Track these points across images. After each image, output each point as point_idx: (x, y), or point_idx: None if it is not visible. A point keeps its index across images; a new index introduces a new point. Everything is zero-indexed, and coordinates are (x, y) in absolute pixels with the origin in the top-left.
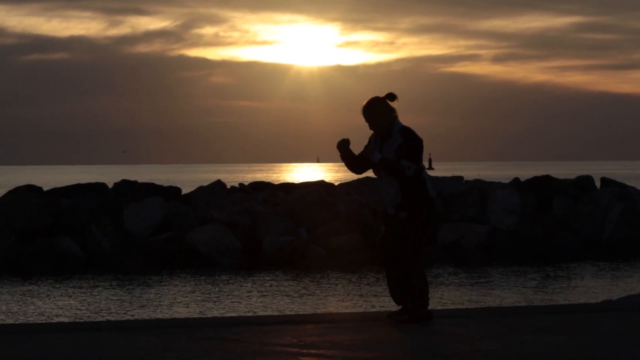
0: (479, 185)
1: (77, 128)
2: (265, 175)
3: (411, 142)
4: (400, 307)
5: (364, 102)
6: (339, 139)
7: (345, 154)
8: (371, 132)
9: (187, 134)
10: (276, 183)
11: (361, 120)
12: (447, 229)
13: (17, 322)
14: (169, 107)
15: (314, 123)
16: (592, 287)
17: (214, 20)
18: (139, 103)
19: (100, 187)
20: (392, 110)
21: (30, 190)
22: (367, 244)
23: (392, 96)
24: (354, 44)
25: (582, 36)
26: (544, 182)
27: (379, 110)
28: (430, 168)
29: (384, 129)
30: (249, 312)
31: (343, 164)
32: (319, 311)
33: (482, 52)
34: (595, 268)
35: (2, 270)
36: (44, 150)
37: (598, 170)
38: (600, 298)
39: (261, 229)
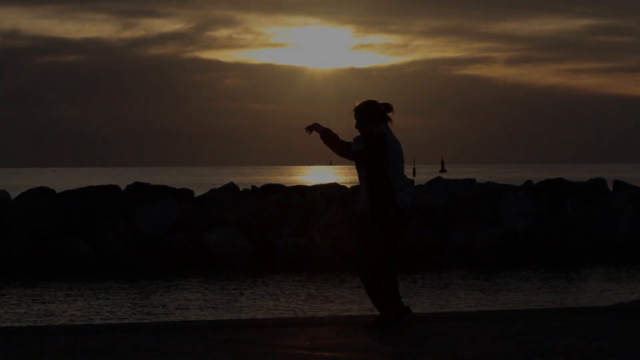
0: (492, 188)
1: (91, 130)
2: (277, 177)
3: (371, 142)
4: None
5: (358, 102)
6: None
7: (323, 132)
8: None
9: (200, 136)
10: (289, 185)
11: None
12: (460, 231)
13: (28, 325)
14: (182, 109)
15: (327, 125)
16: (605, 290)
17: (227, 23)
18: (152, 105)
19: (112, 189)
20: (382, 118)
21: (42, 193)
22: None
23: (388, 107)
24: (368, 46)
25: (596, 39)
26: (556, 185)
27: (367, 111)
28: (443, 170)
29: (365, 131)
30: (261, 314)
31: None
32: (332, 313)
33: (496, 54)
34: (608, 270)
35: (15, 271)
36: (57, 152)
37: (611, 173)
38: (613, 300)
39: (274, 230)
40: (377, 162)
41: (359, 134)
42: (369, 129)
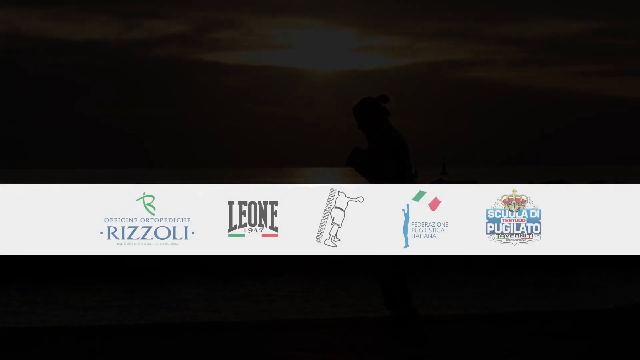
0: None
1: (93, 131)
2: (279, 179)
3: (387, 143)
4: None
5: (355, 102)
6: (354, 144)
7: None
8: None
9: (201, 138)
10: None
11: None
12: None
13: (25, 326)
14: (183, 111)
15: (328, 127)
16: (605, 291)
17: (230, 25)
18: (154, 107)
19: None
20: (382, 112)
21: None
22: None
23: (384, 98)
24: (370, 48)
25: (599, 41)
26: None
27: (366, 111)
28: (445, 173)
29: (370, 130)
30: (262, 314)
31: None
32: (332, 314)
33: (499, 57)
34: (608, 271)
35: (13, 272)
36: (58, 152)
37: (613, 174)
38: (613, 301)
39: None
40: (389, 159)
41: (359, 133)
42: (374, 128)
